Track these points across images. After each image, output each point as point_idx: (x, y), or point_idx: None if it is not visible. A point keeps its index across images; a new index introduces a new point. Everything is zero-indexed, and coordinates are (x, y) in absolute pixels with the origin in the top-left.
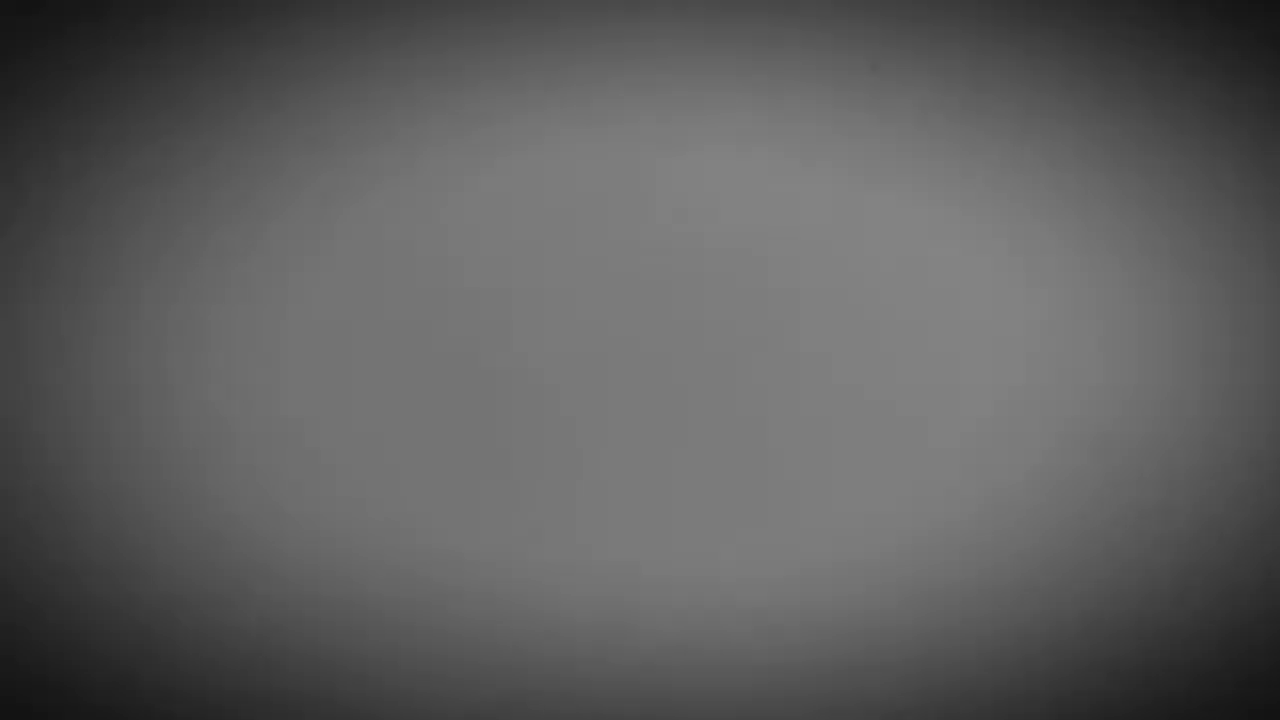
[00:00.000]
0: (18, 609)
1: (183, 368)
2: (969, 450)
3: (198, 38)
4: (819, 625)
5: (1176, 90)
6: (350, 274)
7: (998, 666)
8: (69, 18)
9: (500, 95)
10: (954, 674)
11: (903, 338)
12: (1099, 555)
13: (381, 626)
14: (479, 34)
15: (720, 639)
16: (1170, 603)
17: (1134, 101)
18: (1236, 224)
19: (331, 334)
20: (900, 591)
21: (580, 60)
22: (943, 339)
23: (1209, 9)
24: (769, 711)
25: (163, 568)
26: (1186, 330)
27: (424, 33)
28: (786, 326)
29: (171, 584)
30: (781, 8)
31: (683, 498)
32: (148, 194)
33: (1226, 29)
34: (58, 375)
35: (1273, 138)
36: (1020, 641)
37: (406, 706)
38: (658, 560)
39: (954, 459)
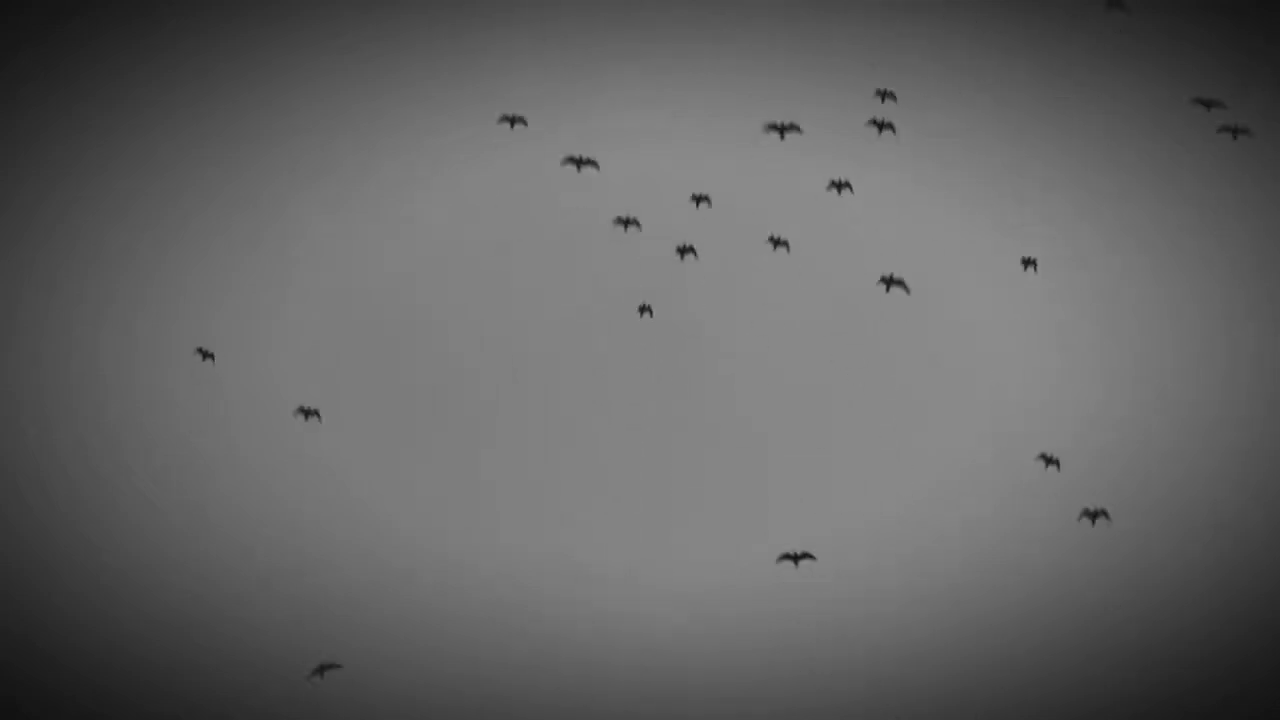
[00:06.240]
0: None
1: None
2: (968, 456)
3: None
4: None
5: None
6: (328, 278)
7: (993, 670)
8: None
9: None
10: (954, 679)
11: (904, 339)
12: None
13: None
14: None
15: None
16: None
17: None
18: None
19: (320, 337)
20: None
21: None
22: (941, 341)
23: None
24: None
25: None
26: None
27: (400, 40)
28: (786, 329)
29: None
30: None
31: (677, 500)
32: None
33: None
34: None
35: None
36: (1014, 639)
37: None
38: (645, 564)
39: (953, 465)
